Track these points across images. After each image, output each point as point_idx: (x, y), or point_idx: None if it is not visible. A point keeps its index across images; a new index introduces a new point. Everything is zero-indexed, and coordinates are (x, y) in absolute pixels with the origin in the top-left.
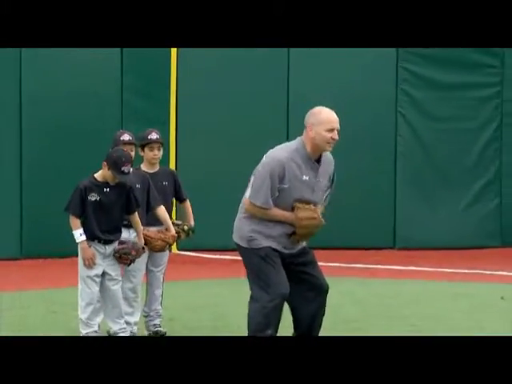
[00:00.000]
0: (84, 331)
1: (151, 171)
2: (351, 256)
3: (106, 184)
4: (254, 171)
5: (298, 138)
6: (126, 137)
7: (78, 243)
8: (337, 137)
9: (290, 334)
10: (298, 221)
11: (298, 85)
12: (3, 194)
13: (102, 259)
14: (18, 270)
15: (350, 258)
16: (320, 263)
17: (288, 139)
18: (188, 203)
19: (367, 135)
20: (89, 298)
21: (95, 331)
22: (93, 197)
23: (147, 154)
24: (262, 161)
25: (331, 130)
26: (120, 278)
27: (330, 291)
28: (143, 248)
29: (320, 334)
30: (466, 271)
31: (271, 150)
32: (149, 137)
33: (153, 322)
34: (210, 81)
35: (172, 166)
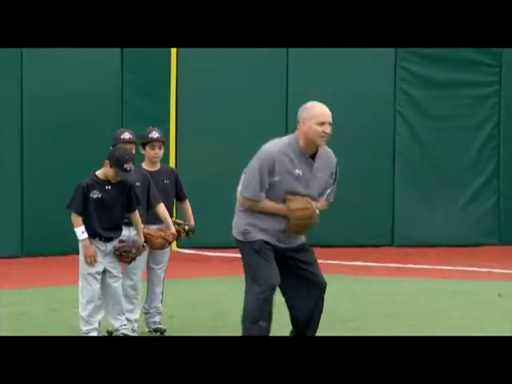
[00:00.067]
0: (84, 328)
1: (152, 170)
2: (350, 254)
3: (107, 182)
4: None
5: (292, 134)
6: (127, 135)
7: (79, 240)
8: (328, 130)
9: (288, 332)
10: (291, 212)
11: (297, 84)
12: (4, 193)
13: (103, 257)
14: (19, 268)
15: (349, 256)
16: (318, 261)
17: None
18: (187, 203)
19: (366, 134)
20: (90, 295)
21: (95, 328)
22: (95, 194)
23: (148, 152)
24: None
25: (322, 124)
26: (121, 276)
27: (328, 288)
28: (143, 246)
29: (317, 332)
30: (464, 269)
31: (264, 145)
32: (150, 135)
33: (153, 320)
34: (210, 80)
35: (172, 164)
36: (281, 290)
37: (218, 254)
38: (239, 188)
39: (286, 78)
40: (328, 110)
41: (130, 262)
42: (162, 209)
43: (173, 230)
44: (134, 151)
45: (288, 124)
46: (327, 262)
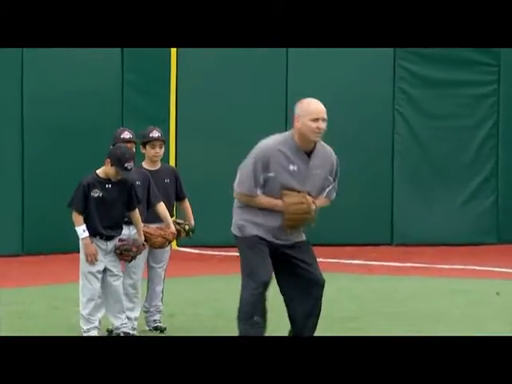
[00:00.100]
0: (85, 327)
1: (153, 169)
2: (349, 252)
3: (108, 180)
4: None
5: (289, 131)
6: (127, 135)
7: (80, 239)
8: (322, 126)
9: (287, 331)
10: (286, 206)
11: (297, 84)
12: (5, 192)
13: (104, 255)
14: (20, 267)
15: (348, 255)
16: (318, 259)
17: None
18: (187, 203)
19: (365, 133)
20: (90, 293)
21: (96, 327)
22: (96, 193)
23: (149, 151)
24: None
25: (316, 120)
26: (121, 274)
27: (327, 287)
28: (143, 245)
29: (316, 331)
30: (463, 267)
31: (260, 141)
32: (150, 135)
33: (153, 318)
34: (210, 80)
35: (172, 163)
36: (280, 288)
37: (218, 252)
38: (235, 184)
39: (286, 78)
40: (322, 106)
41: (131, 260)
42: (161, 208)
43: (173, 228)
44: (134, 150)
45: (287, 124)
46: (327, 261)
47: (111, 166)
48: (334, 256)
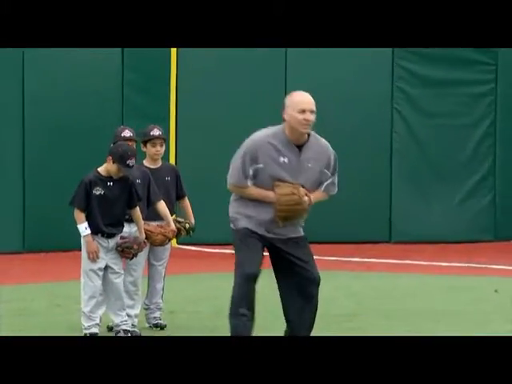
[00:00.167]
0: (86, 324)
1: (154, 167)
2: (347, 250)
3: (109, 178)
4: None
5: (281, 124)
6: (127, 133)
7: (82, 237)
8: (310, 118)
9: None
10: (277, 197)
11: (296, 83)
12: (6, 189)
13: (105, 253)
14: (21, 264)
15: (347, 252)
16: (317, 257)
17: None
18: (187, 201)
19: (364, 132)
20: (91, 291)
21: (97, 324)
22: (97, 191)
23: (149, 149)
24: None
25: (303, 112)
26: (122, 272)
27: (325, 285)
28: (144, 242)
29: (314, 328)
30: (461, 265)
31: (253, 133)
32: (151, 133)
33: (153, 315)
34: (209, 79)
35: (172, 161)
36: (277, 285)
37: (217, 250)
38: (227, 176)
39: (285, 78)
40: (309, 98)
41: (132, 258)
42: (162, 206)
43: (173, 226)
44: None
45: None
46: (325, 259)
47: (113, 163)
48: (333, 254)
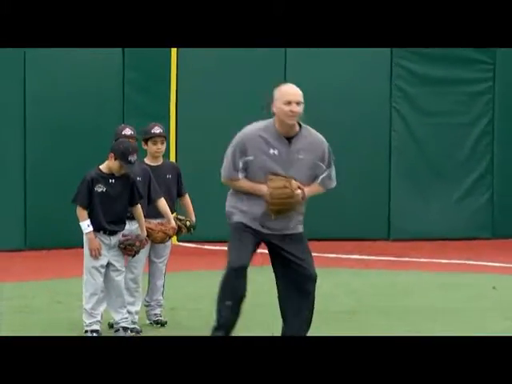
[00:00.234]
0: (87, 321)
1: (155, 164)
2: (347, 247)
3: (111, 175)
4: None
5: (273, 118)
6: (128, 131)
7: (84, 234)
8: (296, 109)
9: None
10: (270, 190)
11: (296, 83)
12: (7, 187)
13: (107, 250)
14: (22, 262)
15: (346, 249)
16: (316, 254)
17: None
18: (188, 199)
19: (363, 130)
20: (93, 288)
21: (98, 321)
22: (99, 188)
23: (151, 147)
24: None
25: (289, 103)
26: (124, 269)
27: (324, 282)
28: (146, 239)
29: (313, 325)
30: (459, 262)
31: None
32: (152, 131)
33: (153, 312)
34: (209, 78)
35: (172, 159)
36: (276, 286)
37: (218, 247)
38: (221, 170)
39: (285, 77)
40: (295, 90)
41: (134, 255)
42: (162, 203)
43: (173, 223)
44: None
45: None
46: (324, 256)
47: (115, 160)
48: (332, 251)
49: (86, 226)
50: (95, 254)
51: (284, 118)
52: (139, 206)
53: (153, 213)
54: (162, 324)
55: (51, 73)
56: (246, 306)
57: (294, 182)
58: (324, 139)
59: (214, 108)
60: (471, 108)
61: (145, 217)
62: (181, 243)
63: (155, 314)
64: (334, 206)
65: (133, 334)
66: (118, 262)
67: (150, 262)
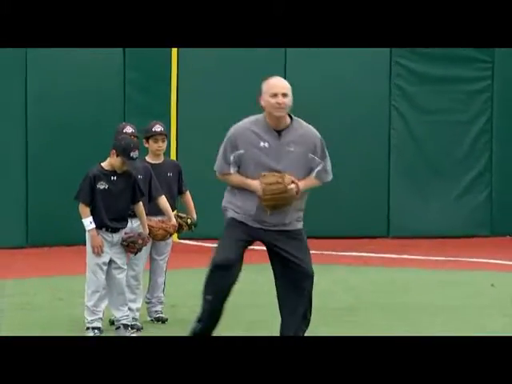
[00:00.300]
0: (90, 318)
1: (156, 162)
2: (346, 244)
3: (113, 173)
4: None
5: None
6: (129, 129)
7: (87, 231)
8: (283, 101)
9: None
10: (262, 187)
11: (296, 83)
12: (9, 185)
13: (110, 247)
14: (24, 259)
15: (345, 247)
16: (315, 252)
17: None
18: (189, 196)
19: (362, 128)
20: (95, 285)
21: (100, 318)
22: (101, 185)
23: (152, 145)
24: None
25: (275, 96)
26: (125, 267)
27: (324, 278)
28: (148, 237)
29: (312, 322)
30: (458, 259)
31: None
32: (153, 129)
33: (154, 309)
34: (209, 78)
35: (173, 157)
36: (275, 285)
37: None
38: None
39: (285, 76)
40: (282, 82)
41: (137, 252)
42: (163, 201)
43: (174, 221)
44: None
45: None
46: (323, 253)
47: (117, 156)
48: (331, 248)
49: (88, 222)
50: (97, 251)
51: (271, 110)
52: (141, 203)
53: (154, 210)
54: (163, 321)
55: (53, 72)
56: (246, 305)
57: (287, 176)
58: (316, 132)
59: (214, 107)
60: (470, 106)
61: (146, 214)
62: (182, 241)
63: (156, 311)
64: (333, 203)
65: (133, 331)
66: (120, 259)
67: (151, 260)
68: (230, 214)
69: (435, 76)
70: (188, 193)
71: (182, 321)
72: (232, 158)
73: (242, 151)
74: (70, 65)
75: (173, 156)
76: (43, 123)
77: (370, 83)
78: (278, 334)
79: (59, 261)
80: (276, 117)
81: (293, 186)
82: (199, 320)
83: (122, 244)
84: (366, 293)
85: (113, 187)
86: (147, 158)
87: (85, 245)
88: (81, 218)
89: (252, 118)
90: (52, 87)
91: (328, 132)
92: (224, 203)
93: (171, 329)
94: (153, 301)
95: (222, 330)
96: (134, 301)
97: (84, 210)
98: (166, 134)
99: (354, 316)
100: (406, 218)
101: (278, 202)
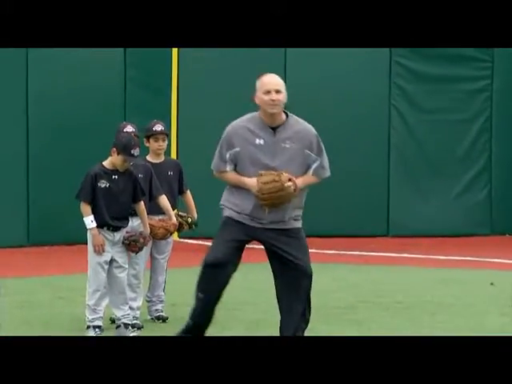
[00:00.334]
0: (90, 316)
1: (156, 161)
2: (346, 243)
3: (114, 171)
4: None
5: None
6: (130, 128)
7: (88, 230)
8: (276, 97)
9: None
10: (259, 185)
11: (295, 82)
12: (10, 184)
13: (111, 246)
14: (25, 257)
15: (345, 246)
16: (316, 251)
17: None
18: (189, 196)
19: (362, 128)
20: (96, 284)
21: (100, 317)
22: (103, 184)
23: (152, 144)
24: None
25: (268, 92)
26: (126, 266)
27: (324, 277)
28: (149, 236)
29: (312, 320)
30: (457, 258)
31: None
32: (154, 128)
33: (155, 308)
34: (210, 77)
35: (173, 157)
36: (274, 285)
37: None
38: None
39: (285, 76)
40: (275, 79)
41: (138, 251)
42: (163, 200)
43: (174, 220)
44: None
45: None
46: (323, 252)
47: (118, 154)
48: (331, 247)
49: (89, 221)
50: (99, 250)
51: (265, 107)
52: (142, 202)
53: (154, 209)
54: (164, 319)
55: (53, 71)
56: (247, 304)
57: (284, 174)
58: (312, 128)
59: (214, 106)
60: (469, 105)
61: (147, 213)
62: (182, 240)
63: (156, 310)
64: (333, 202)
65: (134, 330)
66: (122, 258)
67: (152, 258)
68: (227, 212)
69: (435, 75)
70: (188, 192)
71: (182, 319)
72: (228, 155)
73: (237, 149)
74: (70, 64)
75: (173, 155)
76: (44, 122)
77: (369, 83)
78: (278, 334)
79: (60, 260)
80: (270, 114)
81: (290, 183)
82: (189, 318)
83: (123, 243)
84: (366, 291)
85: (114, 186)
86: (148, 158)
87: (86, 244)
88: (82, 217)
89: (248, 115)
90: (53, 86)
91: (328, 131)
92: (222, 201)
93: (172, 327)
94: (153, 299)
95: (222, 329)
96: (134, 299)
97: (85, 208)
98: (166, 133)
99: (354, 314)
100: (406, 217)
101: (275, 200)
